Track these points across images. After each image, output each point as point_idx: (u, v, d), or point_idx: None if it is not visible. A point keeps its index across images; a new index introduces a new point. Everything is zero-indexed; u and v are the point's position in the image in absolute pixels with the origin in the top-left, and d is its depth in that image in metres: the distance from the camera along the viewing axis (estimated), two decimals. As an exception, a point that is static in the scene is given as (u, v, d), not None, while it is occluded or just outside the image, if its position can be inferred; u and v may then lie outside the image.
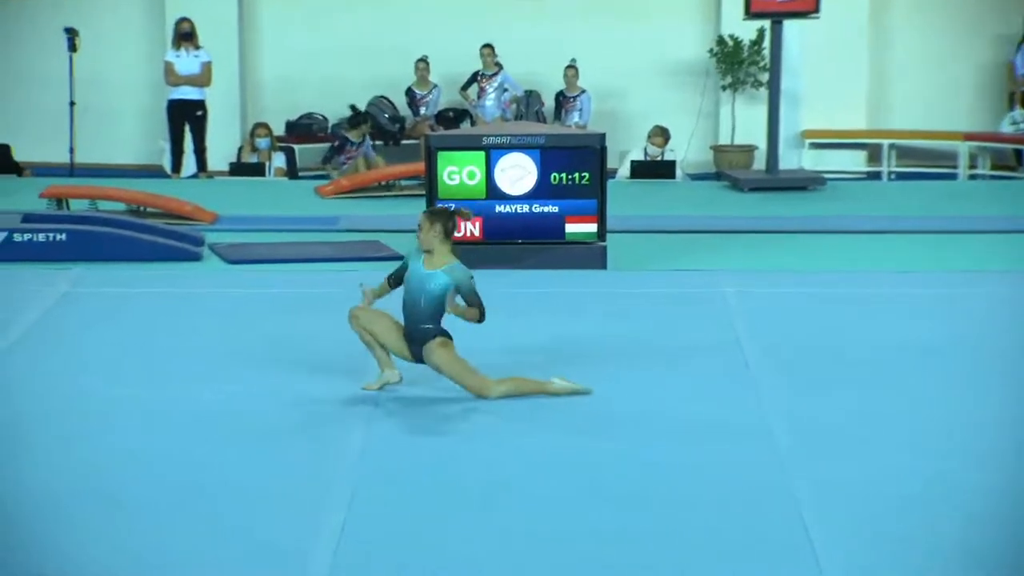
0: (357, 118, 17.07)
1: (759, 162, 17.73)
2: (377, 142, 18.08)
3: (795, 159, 18.37)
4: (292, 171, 17.44)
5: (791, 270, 11.90)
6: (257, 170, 16.80)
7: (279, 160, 17.18)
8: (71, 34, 17.47)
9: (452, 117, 18.67)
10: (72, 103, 17.38)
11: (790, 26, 16.36)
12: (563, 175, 11.86)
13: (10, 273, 11.42)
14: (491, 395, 8.21)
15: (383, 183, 15.48)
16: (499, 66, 18.28)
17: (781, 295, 10.99)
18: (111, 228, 12.30)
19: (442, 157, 11.83)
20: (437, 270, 8.25)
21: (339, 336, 8.84)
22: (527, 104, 18.44)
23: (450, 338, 8.28)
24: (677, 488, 6.99)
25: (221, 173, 17.17)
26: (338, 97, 18.45)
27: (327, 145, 17.82)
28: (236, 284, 11.34)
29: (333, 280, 11.35)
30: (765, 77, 17.37)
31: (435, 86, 18.64)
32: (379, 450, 7.51)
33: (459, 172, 11.84)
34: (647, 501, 6.83)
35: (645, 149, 16.79)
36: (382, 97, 18.55)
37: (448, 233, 8.29)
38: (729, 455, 7.41)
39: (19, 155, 17.22)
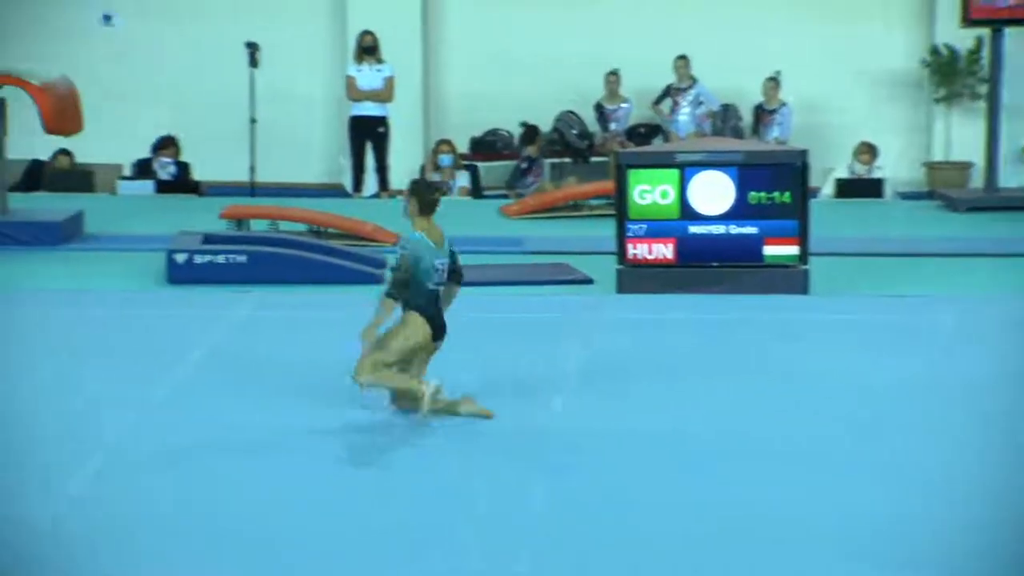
0: (530, 133, 16.90)
1: (976, 180, 17.32)
2: (565, 159, 17.85)
3: (1015, 177, 17.74)
4: (476, 190, 17.25)
5: (1015, 295, 11.45)
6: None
7: (463, 178, 17.04)
8: (252, 49, 17.39)
9: (643, 133, 18.35)
10: (253, 120, 17.29)
11: (1011, 34, 15.87)
12: (762, 194, 11.48)
13: (190, 295, 11.31)
14: (365, 375, 8.04)
15: (571, 203, 15.23)
16: (694, 79, 17.90)
17: (1005, 322, 10.47)
18: (291, 250, 12.27)
19: (633, 175, 11.51)
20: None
21: (519, 360, 8.62)
22: (723, 119, 18.07)
23: (419, 314, 8.11)
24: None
25: (402, 192, 16.94)
26: (525, 113, 18.20)
27: (513, 163, 17.62)
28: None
29: (518, 304, 11.17)
30: (983, 89, 16.98)
31: (626, 100, 18.29)
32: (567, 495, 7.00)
33: (651, 191, 11.50)
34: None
35: (851, 166, 16.51)
36: (570, 112, 18.23)
37: (424, 206, 8.23)
38: None
39: (199, 174, 17.22)
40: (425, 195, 8.24)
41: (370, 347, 8.08)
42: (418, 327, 8.16)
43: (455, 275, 8.40)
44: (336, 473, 7.39)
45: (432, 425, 8.04)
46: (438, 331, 8.24)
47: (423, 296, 8.17)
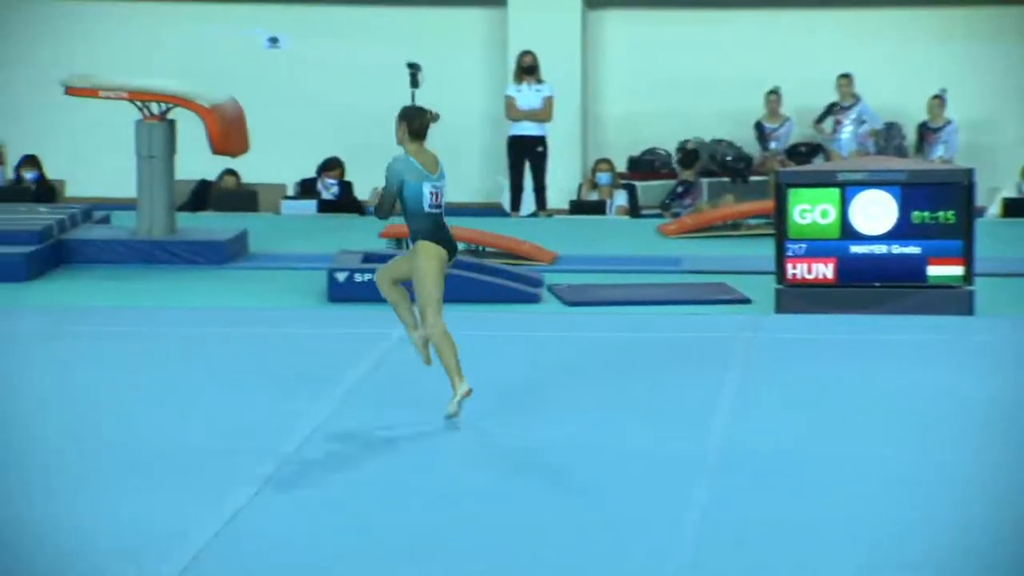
0: (688, 157, 16.76)
1: None
2: (723, 179, 17.68)
3: None
4: (634, 209, 17.17)
5: None
6: (598, 208, 16.57)
7: (620, 198, 16.96)
8: (413, 69, 17.49)
9: (804, 152, 18.13)
10: (413, 140, 17.38)
11: None
12: (926, 214, 11.31)
13: (350, 314, 11.41)
14: (429, 329, 8.36)
15: (729, 222, 15.08)
16: (857, 97, 17.66)
17: None
18: (449, 269, 12.16)
19: (793, 194, 11.38)
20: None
21: (680, 382, 8.63)
22: (887, 137, 17.80)
23: (427, 240, 8.34)
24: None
25: (561, 211, 17.01)
26: (683, 132, 18.11)
27: (671, 183, 17.50)
28: (575, 327, 11.13)
29: (676, 324, 11.10)
30: None
31: (787, 119, 18.09)
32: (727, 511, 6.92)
33: (811, 210, 11.37)
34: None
35: (1019, 185, 16.22)
36: (720, 141, 18.01)
37: (413, 133, 8.40)
38: None
39: (361, 193, 17.35)
40: (414, 119, 8.42)
41: (419, 300, 8.42)
42: (431, 255, 8.36)
43: None
44: (506, 490, 7.39)
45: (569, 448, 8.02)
46: (450, 248, 8.47)
47: (423, 221, 8.36)
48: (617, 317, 11.41)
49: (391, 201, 8.40)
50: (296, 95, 18.62)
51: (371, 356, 9.97)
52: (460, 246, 13.53)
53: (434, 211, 8.39)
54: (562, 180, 17.56)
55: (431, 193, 8.38)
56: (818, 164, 17.11)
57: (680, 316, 11.40)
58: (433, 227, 8.41)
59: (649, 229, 15.30)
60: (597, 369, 9.75)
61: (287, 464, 7.68)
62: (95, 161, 18.04)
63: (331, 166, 17.14)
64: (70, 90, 13.43)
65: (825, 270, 11.39)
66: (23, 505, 7.06)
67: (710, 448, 8.01)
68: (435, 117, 8.54)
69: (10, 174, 17.89)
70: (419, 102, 17.45)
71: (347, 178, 17.28)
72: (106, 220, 14.42)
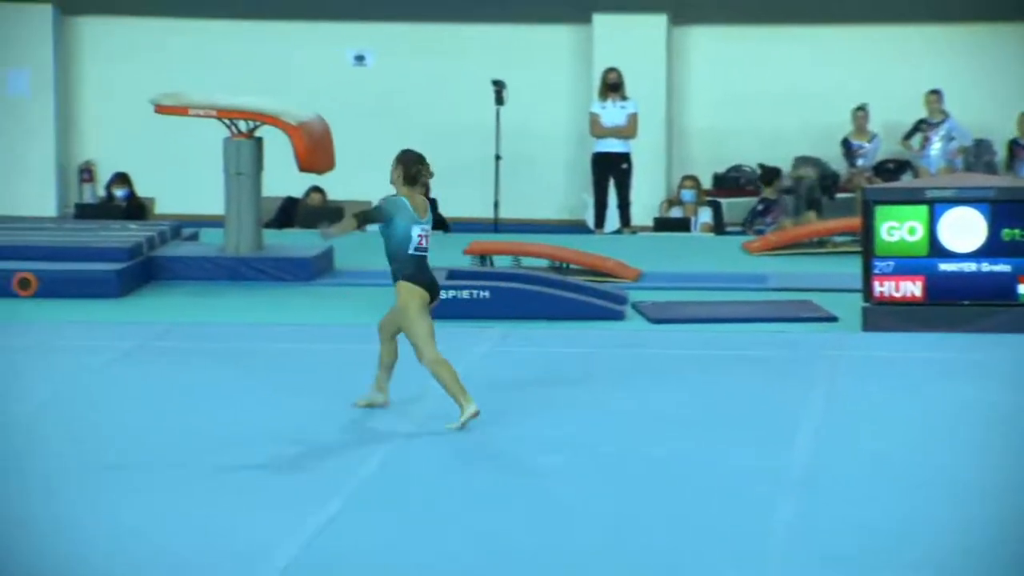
0: (768, 174, 16.66)
1: None
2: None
3: None
4: (719, 226, 17.09)
5: None
6: (682, 225, 16.51)
7: (705, 215, 16.89)
8: (498, 86, 17.58)
9: (892, 169, 18.01)
10: (498, 157, 17.44)
11: None
12: (1016, 231, 11.23)
13: (435, 330, 11.36)
14: (421, 359, 8.58)
15: (815, 239, 14.97)
16: (946, 113, 17.52)
17: None
18: (534, 285, 12.29)
19: (880, 211, 11.31)
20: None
21: (768, 398, 8.64)
22: (976, 154, 17.65)
23: (409, 282, 8.55)
24: None
25: (645, 228, 16.97)
26: (769, 149, 18.01)
27: (756, 199, 17.42)
28: (660, 344, 11.09)
29: (762, 341, 11.05)
30: None
31: (874, 136, 17.97)
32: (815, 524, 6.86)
33: (899, 227, 11.29)
34: None
35: None
36: (806, 163, 17.83)
37: (408, 178, 8.64)
38: None
39: (445, 210, 17.40)
40: (410, 167, 8.64)
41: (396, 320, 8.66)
42: (413, 294, 8.54)
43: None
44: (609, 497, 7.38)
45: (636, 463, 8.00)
46: (432, 292, 8.63)
47: (407, 263, 8.56)
48: (701, 334, 11.36)
49: (365, 221, 8.63)
50: (381, 112, 18.71)
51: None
52: (543, 263, 13.66)
53: (420, 254, 8.61)
54: (646, 197, 17.52)
55: (419, 236, 8.60)
56: (906, 181, 16.97)
57: (765, 334, 11.33)
58: (416, 269, 8.60)
59: (734, 246, 15.22)
60: (681, 386, 9.71)
61: (369, 481, 7.71)
62: (184, 178, 18.22)
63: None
64: (160, 108, 13.57)
65: (913, 288, 11.29)
66: (124, 515, 7.12)
67: (795, 465, 7.96)
68: (431, 174, 8.76)
69: (101, 192, 18.11)
70: (504, 119, 17.56)
71: (432, 195, 17.31)
72: (195, 237, 14.56)
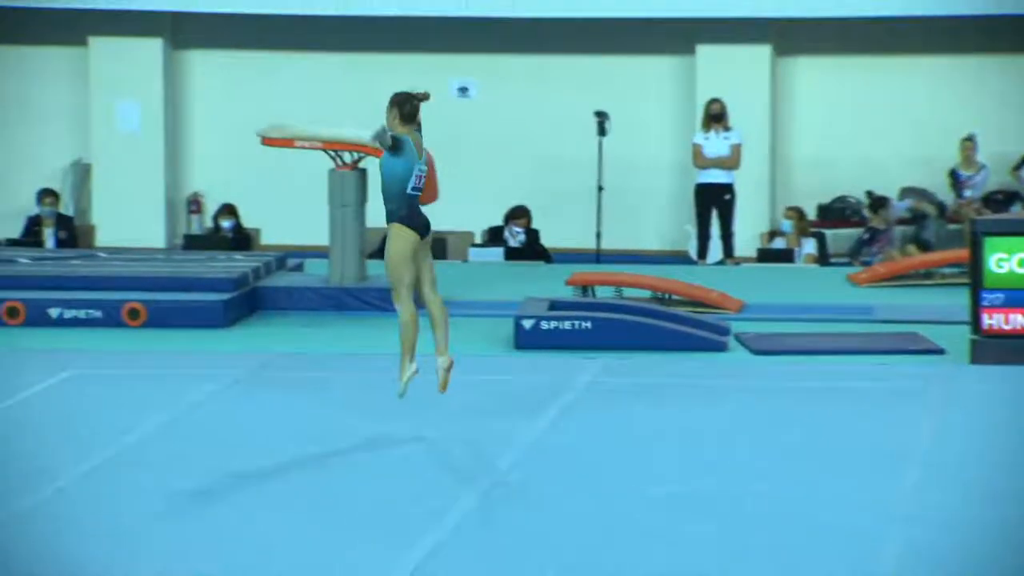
0: (877, 203, 16.51)
1: None
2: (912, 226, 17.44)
3: None
4: (823, 257, 16.97)
5: None
6: (786, 256, 16.42)
7: (809, 246, 16.79)
8: (601, 117, 17.60)
9: (1001, 200, 17.79)
10: (600, 188, 17.45)
11: None
12: None
13: (536, 361, 11.41)
14: (397, 303, 8.84)
15: (923, 271, 14.82)
16: (1056, 144, 17.36)
17: None
18: (636, 316, 12.25)
19: (989, 243, 11.19)
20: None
21: (874, 430, 8.57)
22: (1087, 184, 17.42)
23: (400, 224, 8.73)
24: None
25: (748, 259, 16.88)
26: (874, 179, 17.89)
27: (862, 229, 17.29)
28: (763, 376, 11.04)
29: (867, 373, 10.96)
30: None
31: (983, 167, 17.78)
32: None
33: (1008, 259, 11.20)
34: None
35: None
36: (920, 196, 17.66)
37: (405, 116, 8.76)
38: None
39: (547, 240, 17.43)
40: (405, 104, 8.77)
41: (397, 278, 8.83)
42: (403, 236, 8.72)
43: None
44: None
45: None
46: (423, 230, 8.83)
47: (402, 202, 8.71)
48: (805, 366, 11.28)
49: (385, 142, 8.64)
50: (484, 143, 18.80)
51: (557, 404, 9.98)
52: (646, 294, 13.64)
53: (415, 194, 8.78)
54: (750, 228, 17.45)
55: (417, 176, 8.76)
56: (1015, 212, 16.76)
57: (870, 366, 11.23)
58: (410, 210, 8.75)
59: (839, 277, 15.11)
60: (785, 418, 9.64)
61: (474, 512, 7.72)
62: (289, 209, 18.39)
63: (518, 214, 17.23)
64: (266, 140, 13.72)
65: (1022, 320, 11.15)
66: (240, 538, 7.19)
67: (902, 498, 7.87)
68: (424, 96, 8.89)
69: (208, 222, 18.33)
70: (606, 150, 17.57)
71: (534, 226, 17.37)
72: (299, 268, 14.68)
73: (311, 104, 18.48)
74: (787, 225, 16.77)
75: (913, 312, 13.10)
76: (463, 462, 8.66)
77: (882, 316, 13.06)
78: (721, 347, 11.92)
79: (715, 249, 17.03)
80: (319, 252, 14.79)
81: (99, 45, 18.89)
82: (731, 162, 16.83)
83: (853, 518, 7.59)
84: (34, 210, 17.53)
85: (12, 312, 12.56)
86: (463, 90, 19.02)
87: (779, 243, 17.02)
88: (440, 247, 16.94)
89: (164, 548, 7.17)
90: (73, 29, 18.84)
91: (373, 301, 13.40)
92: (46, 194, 17.46)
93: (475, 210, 18.05)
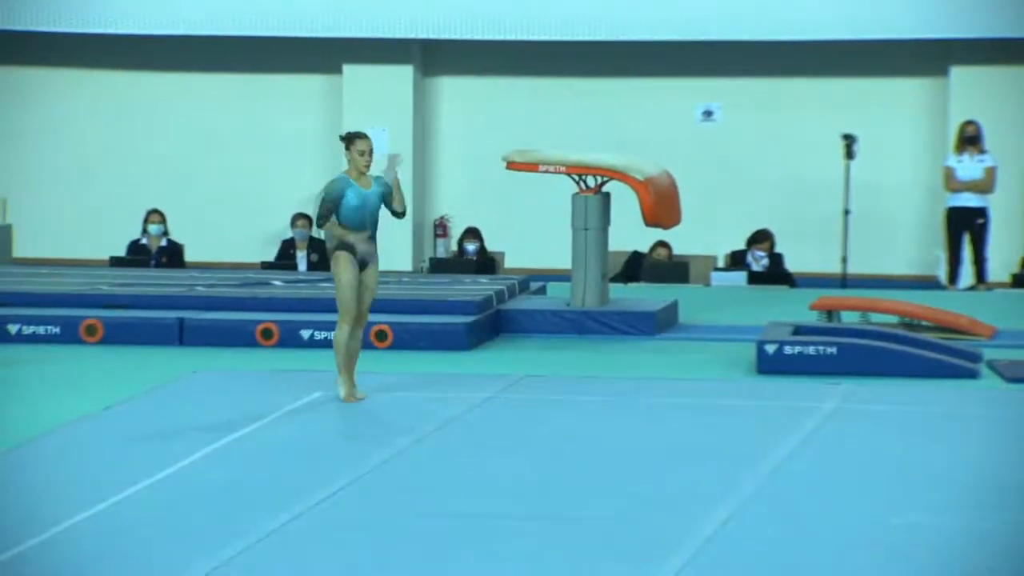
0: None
1: None
2: None
3: None
4: (1077, 282, 16.47)
5: None
6: (1042, 281, 16.01)
7: (1063, 270, 16.28)
8: (848, 140, 17.38)
9: None
10: (846, 211, 17.20)
11: None
12: None
13: (779, 386, 11.29)
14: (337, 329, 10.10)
15: None
16: None
17: None
18: (882, 342, 12.05)
19: None
20: (373, 186, 10.22)
21: None
22: None
23: (342, 252, 10.16)
24: None
25: (1001, 284, 16.46)
26: None
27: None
28: (1015, 404, 10.69)
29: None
30: None
31: None
32: None
33: None
34: None
35: None
36: None
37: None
38: None
39: (791, 264, 17.27)
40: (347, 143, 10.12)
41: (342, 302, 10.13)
42: (342, 266, 10.08)
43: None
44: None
45: None
46: (362, 262, 10.10)
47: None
48: (996, 392, 10.95)
49: (326, 214, 10.06)
50: (728, 167, 18.70)
51: (800, 430, 9.84)
52: (893, 319, 13.38)
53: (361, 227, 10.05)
54: (1004, 252, 17.02)
55: (363, 207, 10.05)
56: None
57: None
58: (354, 240, 10.02)
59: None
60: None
61: (711, 541, 7.65)
62: (532, 233, 18.54)
63: (761, 238, 17.09)
64: (511, 165, 13.85)
65: None
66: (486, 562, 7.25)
67: None
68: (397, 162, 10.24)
69: (453, 246, 18.58)
70: (854, 173, 17.32)
71: (777, 250, 17.22)
72: (542, 291, 14.78)
73: (555, 128, 18.62)
74: (1042, 250, 16.35)
75: None
76: (696, 486, 8.58)
77: None
78: (972, 374, 11.65)
79: (965, 274, 16.67)
80: (561, 275, 14.88)
81: (353, 72, 19.33)
82: (985, 185, 16.45)
83: (975, 553, 7.33)
84: (288, 233, 17.98)
85: (267, 333, 12.91)
86: (707, 113, 18.95)
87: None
88: (682, 271, 16.89)
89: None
90: (328, 57, 19.31)
91: (614, 324, 13.41)
92: (299, 217, 17.89)
93: (718, 234, 17.96)
